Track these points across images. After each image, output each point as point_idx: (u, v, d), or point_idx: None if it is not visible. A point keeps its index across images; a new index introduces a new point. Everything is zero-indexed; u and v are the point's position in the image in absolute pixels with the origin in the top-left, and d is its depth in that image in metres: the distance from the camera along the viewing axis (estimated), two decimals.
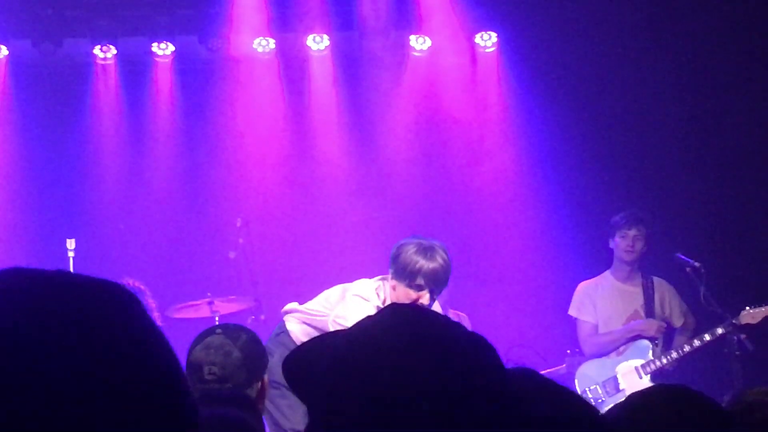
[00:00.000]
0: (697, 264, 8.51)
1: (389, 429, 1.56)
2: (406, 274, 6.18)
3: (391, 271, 6.28)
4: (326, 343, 1.72)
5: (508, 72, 10.54)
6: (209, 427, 3.80)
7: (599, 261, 9.07)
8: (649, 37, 10.06)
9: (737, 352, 8.16)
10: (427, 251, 6.19)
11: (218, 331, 4.45)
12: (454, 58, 10.61)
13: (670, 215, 9.83)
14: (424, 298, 6.19)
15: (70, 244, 8.69)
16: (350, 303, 6.28)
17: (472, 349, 1.65)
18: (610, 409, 2.61)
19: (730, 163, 10.05)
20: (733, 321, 8.33)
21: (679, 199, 10.09)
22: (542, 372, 7.82)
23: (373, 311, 6.15)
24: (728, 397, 4.06)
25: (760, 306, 8.39)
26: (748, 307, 8.38)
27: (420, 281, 6.16)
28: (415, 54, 10.64)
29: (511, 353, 8.10)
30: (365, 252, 9.13)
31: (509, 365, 1.79)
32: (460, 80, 10.66)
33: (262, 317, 8.93)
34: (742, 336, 8.20)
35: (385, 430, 1.56)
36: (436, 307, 6.53)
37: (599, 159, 10.15)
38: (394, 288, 6.26)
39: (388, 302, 6.28)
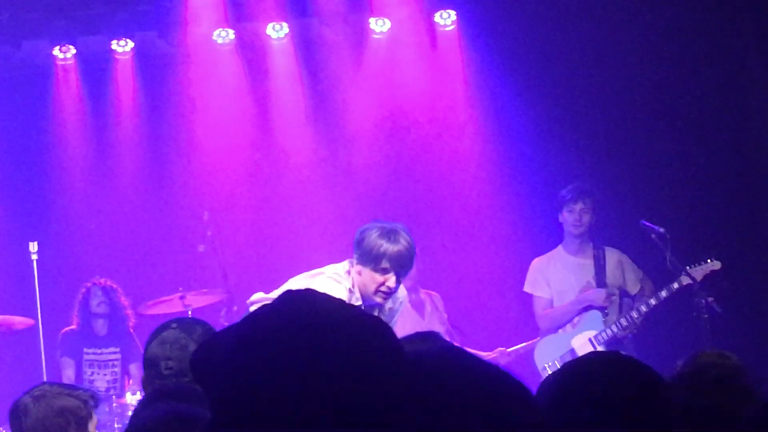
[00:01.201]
0: (662, 230, 8.51)
1: (288, 416, 1.56)
2: (371, 258, 6.19)
3: (355, 256, 6.28)
4: (226, 335, 1.71)
5: (468, 49, 10.51)
6: (165, 422, 3.80)
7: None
8: (608, 8, 10.04)
9: (705, 316, 8.17)
10: (390, 234, 6.19)
11: (173, 325, 4.45)
12: (414, 38, 10.57)
13: (633, 186, 9.86)
14: (390, 281, 6.21)
15: (33, 246, 8.68)
16: (323, 285, 6.26)
17: (367, 333, 1.65)
18: (545, 379, 2.62)
19: (686, 133, 10.07)
20: (673, 285, 8.35)
21: (638, 168, 10.11)
22: (518, 346, 7.68)
23: (345, 293, 6.17)
24: (682, 360, 4.09)
25: (699, 264, 8.42)
26: (688, 267, 8.41)
27: (385, 264, 6.17)
28: (375, 36, 10.60)
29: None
30: (333, 238, 9.13)
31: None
32: (422, 60, 10.63)
33: (235, 308, 8.92)
34: (710, 299, 8.19)
35: (283, 417, 1.57)
36: (402, 289, 6.54)
37: (561, 133, 10.14)
38: (359, 273, 6.26)
39: (356, 286, 6.29)
